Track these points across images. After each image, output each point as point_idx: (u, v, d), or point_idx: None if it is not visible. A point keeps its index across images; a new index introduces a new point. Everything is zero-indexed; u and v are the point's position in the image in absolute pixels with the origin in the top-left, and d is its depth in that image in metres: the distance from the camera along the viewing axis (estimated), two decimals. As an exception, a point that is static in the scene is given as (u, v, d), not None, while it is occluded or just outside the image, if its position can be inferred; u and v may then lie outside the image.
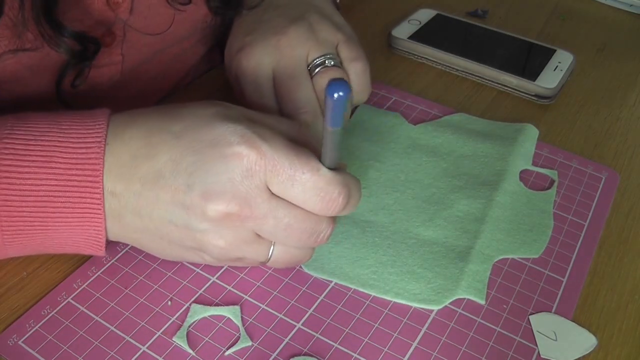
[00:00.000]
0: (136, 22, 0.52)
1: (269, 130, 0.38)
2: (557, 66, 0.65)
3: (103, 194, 0.38)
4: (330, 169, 0.38)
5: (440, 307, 0.43)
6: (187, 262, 0.44)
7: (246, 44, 0.51)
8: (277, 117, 0.43)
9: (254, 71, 0.50)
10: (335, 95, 0.33)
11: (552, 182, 0.53)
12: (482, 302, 0.43)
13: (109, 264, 0.44)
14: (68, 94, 0.50)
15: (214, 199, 0.36)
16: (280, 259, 0.40)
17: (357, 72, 0.52)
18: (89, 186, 0.38)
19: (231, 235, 0.38)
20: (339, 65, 0.51)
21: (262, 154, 0.36)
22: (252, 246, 0.39)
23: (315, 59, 0.50)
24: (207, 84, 0.63)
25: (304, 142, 0.39)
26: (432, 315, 0.43)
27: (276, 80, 0.50)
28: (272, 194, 0.37)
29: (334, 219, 0.40)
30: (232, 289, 0.43)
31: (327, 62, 0.50)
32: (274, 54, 0.50)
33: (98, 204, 0.38)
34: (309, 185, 0.37)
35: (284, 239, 0.39)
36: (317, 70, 0.50)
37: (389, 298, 0.43)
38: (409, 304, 0.43)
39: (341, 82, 0.33)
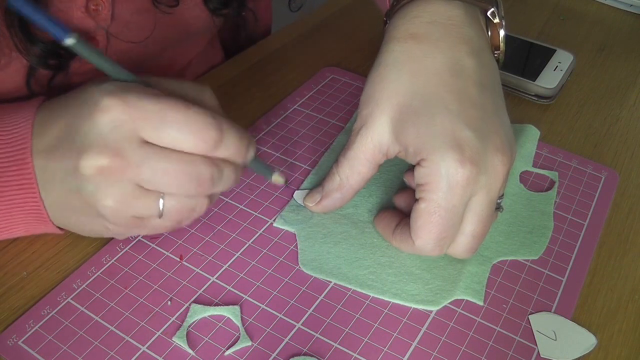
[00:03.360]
0: (118, 29, 0.52)
1: (137, 84, 0.38)
2: (557, 66, 0.65)
3: (34, 168, 0.40)
4: None
5: (438, 308, 0.43)
6: (104, 236, 0.43)
7: (463, 144, 0.40)
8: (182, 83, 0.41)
9: (463, 192, 0.40)
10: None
11: (552, 182, 0.53)
12: (481, 303, 0.43)
13: (108, 264, 0.44)
14: None
15: (85, 155, 0.36)
16: (173, 209, 0.39)
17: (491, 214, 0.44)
18: (21, 162, 0.40)
19: (116, 192, 0.37)
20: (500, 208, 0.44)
21: (128, 102, 0.36)
22: (140, 200, 0.38)
23: (501, 196, 0.43)
24: (206, 84, 0.63)
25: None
26: (432, 315, 0.43)
27: (470, 206, 0.41)
28: (145, 142, 0.37)
29: (214, 163, 0.38)
30: (231, 289, 0.43)
31: (501, 206, 0.44)
32: (486, 180, 0.41)
33: (30, 177, 0.40)
34: (180, 122, 0.36)
35: (166, 186, 0.38)
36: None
37: (386, 299, 0.43)
38: (407, 304, 0.43)
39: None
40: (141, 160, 0.37)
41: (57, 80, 0.49)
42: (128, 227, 0.40)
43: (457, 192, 0.40)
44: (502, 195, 0.43)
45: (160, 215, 0.39)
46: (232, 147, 0.38)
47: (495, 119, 0.43)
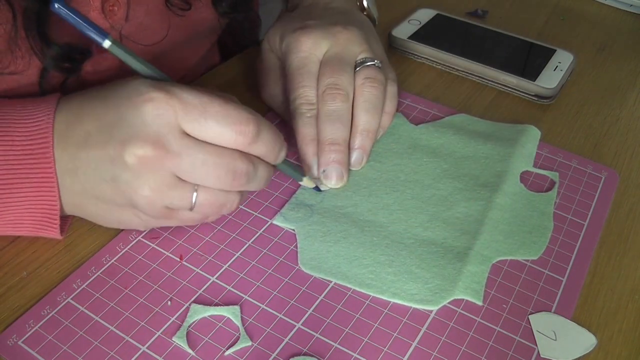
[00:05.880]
0: (131, 30, 0.52)
1: (180, 84, 0.40)
2: (557, 66, 0.65)
3: (54, 163, 0.41)
4: None
5: (437, 307, 0.43)
6: (129, 227, 0.44)
7: (308, 25, 0.53)
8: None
9: (309, 49, 0.51)
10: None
11: (553, 182, 0.53)
12: (480, 303, 0.43)
13: (108, 264, 0.44)
14: None
15: (130, 144, 0.38)
16: (206, 202, 0.41)
17: (392, 93, 0.54)
18: (41, 157, 0.41)
19: (153, 180, 0.39)
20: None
21: (171, 94, 0.39)
22: (175, 191, 0.40)
23: (364, 58, 0.52)
24: (206, 84, 0.63)
25: None
26: (432, 315, 0.43)
27: (322, 62, 0.52)
28: (185, 133, 0.39)
29: (250, 159, 0.41)
30: (231, 289, 0.43)
31: (375, 63, 0.52)
32: (331, 41, 0.52)
33: (50, 172, 0.41)
34: (220, 116, 0.39)
35: (203, 177, 0.40)
36: (362, 65, 0.52)
37: (386, 298, 0.43)
38: (406, 304, 0.43)
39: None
40: (181, 150, 0.39)
41: (69, 83, 0.50)
42: (158, 218, 0.42)
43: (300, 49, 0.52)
44: (367, 58, 0.52)
45: (192, 208, 0.41)
46: (267, 144, 0.41)
47: (342, 18, 0.55)
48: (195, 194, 0.40)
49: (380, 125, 0.52)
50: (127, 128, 0.39)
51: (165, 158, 0.38)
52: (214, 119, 0.39)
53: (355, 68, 0.51)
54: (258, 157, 0.42)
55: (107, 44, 0.40)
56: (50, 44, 0.45)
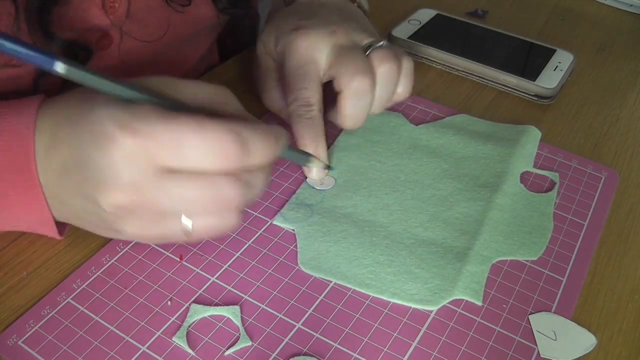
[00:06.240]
0: (133, 26, 0.52)
1: (146, 106, 0.35)
2: (557, 66, 0.65)
3: (39, 180, 0.39)
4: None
5: (436, 307, 0.43)
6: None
7: (302, 25, 0.52)
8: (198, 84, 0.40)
9: (306, 51, 0.51)
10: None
11: (553, 183, 0.53)
12: (479, 303, 0.43)
13: (108, 264, 0.44)
14: None
15: (104, 192, 0.35)
16: (202, 229, 0.37)
17: (408, 69, 0.52)
18: (26, 180, 0.39)
19: (137, 221, 0.37)
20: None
21: (139, 133, 0.34)
22: (162, 224, 0.37)
23: (371, 42, 0.51)
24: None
25: (221, 112, 0.38)
26: (432, 315, 0.43)
27: (332, 56, 0.51)
28: (164, 170, 0.35)
29: (238, 179, 0.36)
30: (231, 289, 0.43)
31: (383, 44, 0.51)
32: (330, 41, 0.51)
33: (35, 187, 0.39)
34: (196, 144, 0.34)
35: (189, 210, 0.36)
36: (372, 48, 0.50)
37: (385, 298, 0.43)
38: (405, 304, 0.43)
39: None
40: (159, 193, 0.35)
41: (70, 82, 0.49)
42: (152, 242, 0.42)
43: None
44: (373, 41, 0.51)
45: (187, 235, 0.37)
46: (258, 153, 0.36)
47: (337, 14, 0.54)
48: (190, 222, 0.37)
49: (397, 95, 0.52)
50: (100, 174, 0.35)
51: (143, 203, 0.35)
52: (192, 149, 0.34)
53: (365, 52, 0.50)
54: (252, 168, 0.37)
55: (60, 67, 0.34)
56: (52, 39, 0.45)
